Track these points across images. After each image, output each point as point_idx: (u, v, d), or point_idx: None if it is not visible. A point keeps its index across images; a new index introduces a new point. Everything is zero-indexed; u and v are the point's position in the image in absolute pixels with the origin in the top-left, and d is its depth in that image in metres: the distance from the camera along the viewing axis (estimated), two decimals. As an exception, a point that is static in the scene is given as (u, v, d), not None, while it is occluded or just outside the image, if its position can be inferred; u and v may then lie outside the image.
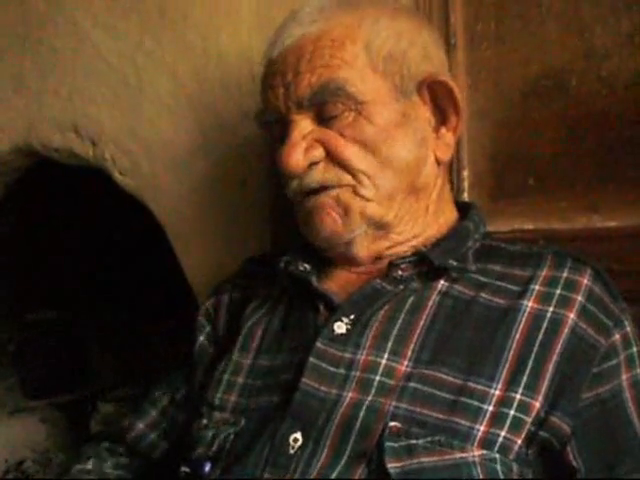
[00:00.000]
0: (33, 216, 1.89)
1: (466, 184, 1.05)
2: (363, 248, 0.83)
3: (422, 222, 0.84)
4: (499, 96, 1.03)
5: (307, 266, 0.86)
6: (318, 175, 0.81)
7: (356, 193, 0.80)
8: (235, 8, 1.18)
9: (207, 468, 0.78)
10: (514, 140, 1.03)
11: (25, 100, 1.42)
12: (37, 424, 1.90)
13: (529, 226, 1.01)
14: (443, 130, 0.85)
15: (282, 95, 0.81)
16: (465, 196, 1.04)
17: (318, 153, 0.81)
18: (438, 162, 0.85)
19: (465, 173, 1.05)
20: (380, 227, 0.82)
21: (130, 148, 1.30)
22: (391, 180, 0.81)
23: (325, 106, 0.79)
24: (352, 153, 0.80)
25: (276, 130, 0.85)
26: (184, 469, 0.82)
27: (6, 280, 1.92)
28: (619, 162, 0.96)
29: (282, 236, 1.15)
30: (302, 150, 0.80)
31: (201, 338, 0.97)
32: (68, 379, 2.05)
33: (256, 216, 1.19)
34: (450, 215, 0.88)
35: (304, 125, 0.81)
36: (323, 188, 0.81)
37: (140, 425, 0.98)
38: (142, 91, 1.29)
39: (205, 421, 0.83)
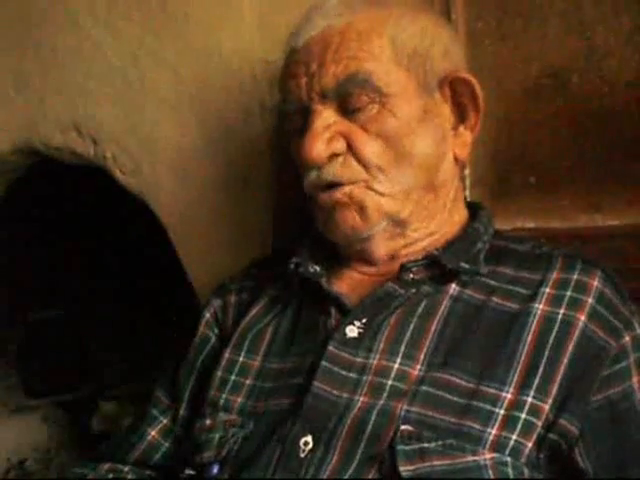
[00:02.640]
0: (35, 215, 1.89)
1: (467, 182, 1.05)
2: (381, 245, 0.83)
3: (439, 220, 0.84)
4: (500, 94, 1.03)
5: (317, 268, 0.86)
6: (336, 169, 0.80)
7: (369, 187, 0.80)
8: (237, 7, 1.18)
9: (215, 470, 0.78)
10: (515, 138, 1.03)
11: (26, 99, 1.41)
12: (39, 423, 1.90)
13: (530, 225, 1.01)
14: (462, 128, 0.85)
15: (305, 85, 0.81)
16: (467, 194, 1.04)
17: (340, 145, 0.80)
18: (456, 160, 0.85)
19: (466, 171, 1.05)
20: (397, 224, 0.82)
21: (131, 147, 1.30)
22: (408, 176, 0.81)
23: (349, 98, 0.79)
24: (372, 150, 0.79)
25: (295, 121, 0.84)
26: (188, 472, 0.81)
27: (7, 278, 1.92)
28: (621, 160, 0.96)
29: (284, 236, 1.15)
30: (324, 140, 0.79)
31: (207, 333, 0.95)
32: (69, 378, 2.05)
33: (258, 216, 1.18)
34: (462, 215, 0.88)
35: (327, 116, 0.80)
36: (337, 184, 0.81)
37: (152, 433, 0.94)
38: (143, 90, 1.28)
39: (209, 422, 0.82)
